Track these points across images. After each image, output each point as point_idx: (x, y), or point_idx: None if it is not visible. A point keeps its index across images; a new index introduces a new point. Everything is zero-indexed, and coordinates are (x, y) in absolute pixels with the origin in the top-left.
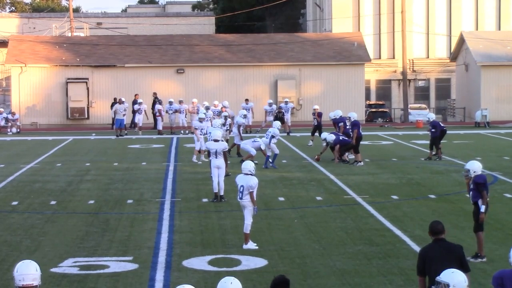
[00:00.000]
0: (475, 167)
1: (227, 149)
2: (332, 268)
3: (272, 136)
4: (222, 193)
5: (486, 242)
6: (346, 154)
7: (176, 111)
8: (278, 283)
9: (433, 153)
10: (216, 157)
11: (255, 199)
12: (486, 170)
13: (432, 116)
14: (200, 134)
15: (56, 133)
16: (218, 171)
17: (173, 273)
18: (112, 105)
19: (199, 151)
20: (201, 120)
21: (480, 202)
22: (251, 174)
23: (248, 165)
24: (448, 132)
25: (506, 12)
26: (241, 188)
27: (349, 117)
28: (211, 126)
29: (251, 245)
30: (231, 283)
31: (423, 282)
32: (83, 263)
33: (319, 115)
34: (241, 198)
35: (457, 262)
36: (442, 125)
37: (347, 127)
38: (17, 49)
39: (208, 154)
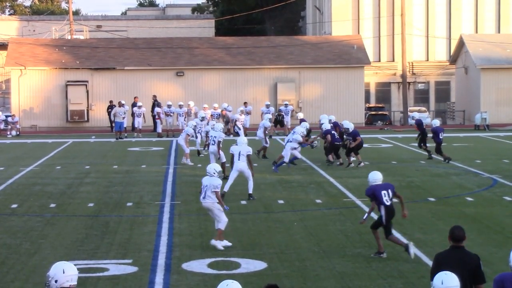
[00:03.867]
0: (370, 177)
1: (250, 153)
2: (331, 271)
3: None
4: (250, 191)
5: (486, 245)
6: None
7: (173, 113)
8: None
9: (446, 155)
10: (238, 159)
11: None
12: (486, 173)
13: (436, 122)
14: (211, 144)
15: (56, 136)
16: (245, 175)
17: (172, 276)
18: (108, 109)
19: (198, 152)
20: (199, 122)
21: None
22: (215, 176)
23: (213, 167)
24: (447, 135)
25: (506, 15)
26: (205, 187)
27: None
28: (213, 129)
29: (226, 243)
30: (227, 285)
31: None
32: (82, 266)
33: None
34: (204, 198)
35: (471, 273)
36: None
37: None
38: (17, 51)
39: (232, 158)
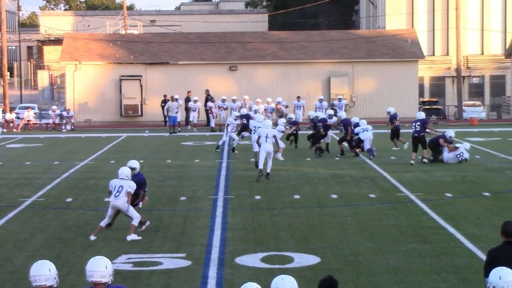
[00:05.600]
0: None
1: (276, 135)
2: (385, 266)
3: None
4: (268, 170)
5: None
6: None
7: (226, 108)
8: (324, 284)
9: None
10: (266, 141)
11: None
12: None
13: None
14: (254, 133)
15: (110, 130)
16: (266, 155)
17: (226, 270)
18: (162, 103)
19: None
20: (236, 118)
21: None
22: (127, 179)
23: (125, 171)
24: (503, 129)
25: None
26: (120, 188)
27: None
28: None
29: (135, 236)
30: (282, 279)
31: None
32: (136, 259)
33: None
34: (116, 197)
35: None
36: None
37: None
38: (72, 46)
39: (258, 139)
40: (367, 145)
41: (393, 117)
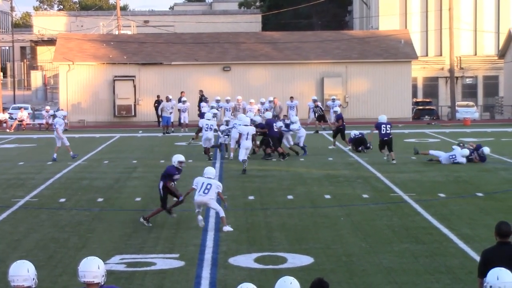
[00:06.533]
0: None
1: (255, 132)
2: (378, 266)
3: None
4: (245, 157)
5: None
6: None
7: (221, 108)
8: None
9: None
10: (246, 139)
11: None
12: None
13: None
14: (205, 130)
15: (103, 131)
16: (246, 151)
17: (219, 270)
18: (155, 103)
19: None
20: (214, 115)
21: None
22: (214, 178)
23: (211, 170)
24: (496, 130)
25: None
26: (209, 186)
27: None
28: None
29: (229, 227)
30: (291, 283)
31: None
32: (130, 260)
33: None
34: (206, 193)
35: None
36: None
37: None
38: (65, 47)
39: (239, 136)
40: (301, 142)
41: (338, 117)
